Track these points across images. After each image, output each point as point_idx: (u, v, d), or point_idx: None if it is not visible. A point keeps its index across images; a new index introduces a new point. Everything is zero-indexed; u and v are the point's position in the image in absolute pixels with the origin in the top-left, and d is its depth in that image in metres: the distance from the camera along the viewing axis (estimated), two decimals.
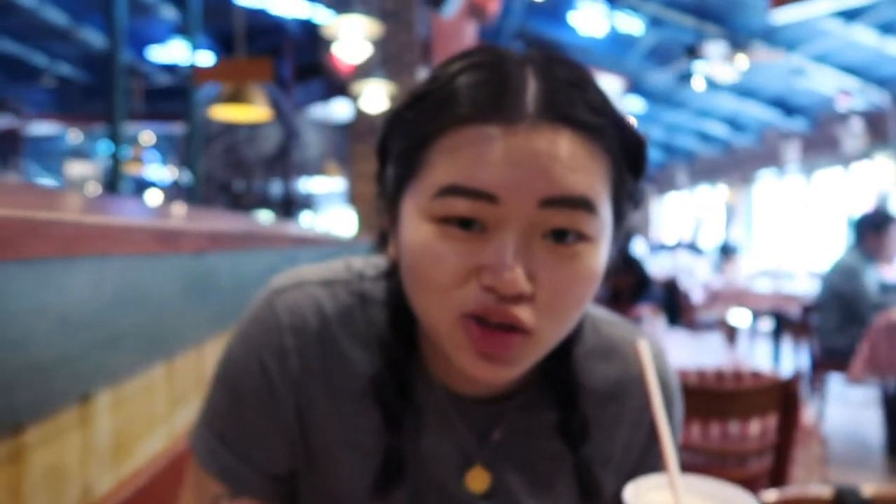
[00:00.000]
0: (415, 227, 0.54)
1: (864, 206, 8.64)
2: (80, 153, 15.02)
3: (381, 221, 0.62)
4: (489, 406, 0.65)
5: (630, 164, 0.56)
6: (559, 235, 0.52)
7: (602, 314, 0.72)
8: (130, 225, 0.84)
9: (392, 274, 0.64)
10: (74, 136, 15.14)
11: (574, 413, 0.65)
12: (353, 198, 5.60)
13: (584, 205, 0.52)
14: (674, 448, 0.49)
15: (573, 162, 0.51)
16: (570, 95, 0.52)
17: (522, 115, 0.51)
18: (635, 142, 0.56)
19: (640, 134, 0.56)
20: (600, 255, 0.54)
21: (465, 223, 0.52)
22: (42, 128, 14.07)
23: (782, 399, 1.76)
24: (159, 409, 0.99)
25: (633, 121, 0.58)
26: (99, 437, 0.80)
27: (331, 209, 14.84)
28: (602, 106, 0.54)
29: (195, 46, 6.38)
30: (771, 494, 0.85)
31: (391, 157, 0.58)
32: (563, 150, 0.51)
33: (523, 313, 0.52)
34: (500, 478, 0.65)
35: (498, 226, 0.51)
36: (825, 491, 0.87)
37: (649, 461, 0.70)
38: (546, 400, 0.66)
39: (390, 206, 0.59)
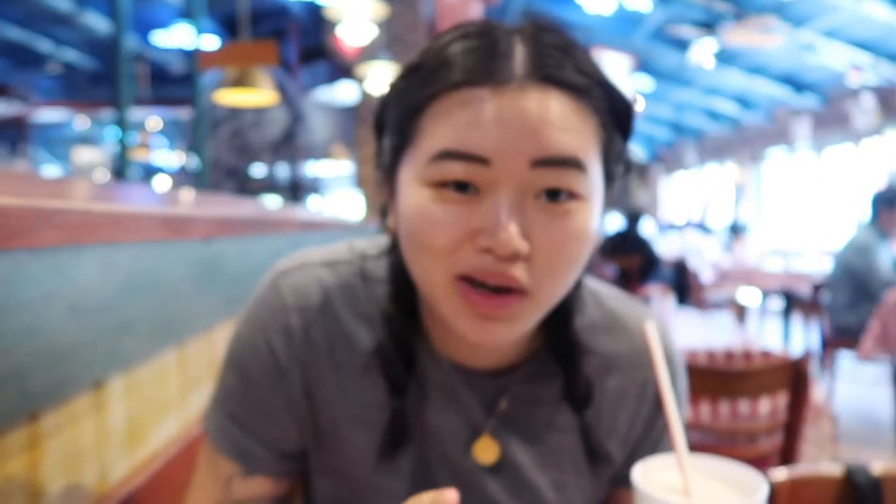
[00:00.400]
0: (412, 193, 0.55)
1: (877, 183, 8.56)
2: (87, 139, 15.05)
3: (381, 195, 0.63)
4: (495, 378, 0.66)
5: (618, 125, 0.57)
6: (551, 195, 0.53)
7: (605, 289, 0.73)
8: (139, 212, 0.84)
9: (393, 247, 0.66)
10: (81, 122, 15.15)
11: (578, 378, 0.66)
12: (361, 181, 5.59)
13: (574, 164, 0.53)
14: (681, 428, 0.49)
15: (562, 122, 0.52)
16: (557, 58, 0.53)
17: (511, 77, 0.52)
18: (623, 104, 0.57)
19: (628, 96, 0.58)
20: (592, 214, 0.55)
21: (460, 186, 0.53)
22: (49, 114, 14.09)
23: (792, 378, 1.76)
24: (172, 393, 1.00)
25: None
26: (113, 422, 0.81)
27: (338, 193, 14.84)
28: (589, 68, 0.55)
29: (200, 30, 6.35)
30: (781, 473, 0.85)
31: (387, 128, 0.59)
32: (551, 110, 0.52)
33: (519, 273, 0.53)
34: (507, 449, 0.66)
35: (491, 188, 0.53)
36: (835, 469, 0.87)
37: (654, 434, 0.71)
38: (550, 370, 0.67)
39: (388, 177, 0.60)
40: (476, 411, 0.65)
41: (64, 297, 0.67)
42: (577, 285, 0.65)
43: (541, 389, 0.67)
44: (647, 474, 0.50)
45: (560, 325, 0.65)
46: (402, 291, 0.64)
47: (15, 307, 0.60)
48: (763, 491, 0.46)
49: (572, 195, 0.54)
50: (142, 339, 0.86)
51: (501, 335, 0.56)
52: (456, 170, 0.52)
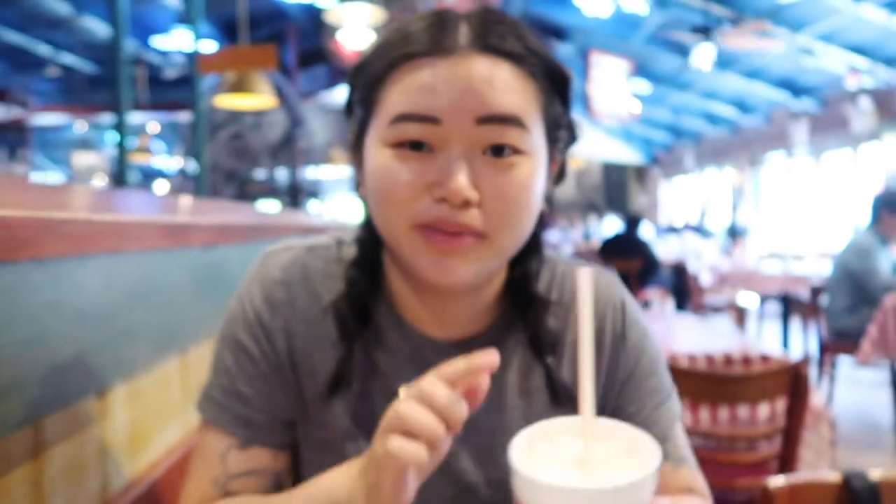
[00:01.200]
0: (375, 154, 0.62)
1: (876, 186, 8.57)
2: (86, 143, 15.04)
3: (354, 165, 0.71)
4: (463, 346, 0.70)
5: (557, 91, 0.65)
6: (496, 150, 0.60)
7: (557, 255, 0.79)
8: (141, 221, 0.85)
9: (365, 218, 0.72)
10: (80, 126, 15.15)
11: (541, 327, 0.71)
12: (359, 185, 5.60)
13: (515, 121, 0.60)
14: (591, 387, 0.51)
15: (502, 85, 0.60)
16: (498, 31, 0.61)
17: (456, 47, 0.60)
18: (560, 72, 0.65)
19: (565, 67, 0.65)
20: (535, 168, 0.62)
21: (416, 146, 0.60)
22: (47, 118, 14.08)
23: (792, 383, 1.76)
24: (174, 401, 1.00)
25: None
26: (116, 430, 0.81)
27: (337, 197, 14.83)
28: (527, 40, 0.62)
29: (198, 35, 6.36)
30: (780, 480, 0.86)
31: (354, 103, 0.67)
32: (493, 74, 0.60)
33: (472, 219, 0.60)
34: (476, 412, 0.67)
35: (443, 145, 0.60)
36: (833, 476, 0.87)
37: (625, 388, 0.74)
38: (515, 334, 0.72)
39: (357, 148, 0.68)
40: None
41: (68, 306, 0.68)
42: (535, 248, 0.71)
43: (507, 354, 0.72)
44: (537, 441, 0.49)
45: (521, 284, 0.71)
46: (365, 256, 0.71)
47: (20, 317, 0.60)
48: (657, 458, 0.46)
49: (515, 150, 0.61)
50: (144, 346, 0.87)
51: (462, 273, 0.61)
52: (411, 130, 0.60)
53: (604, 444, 0.50)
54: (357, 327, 0.69)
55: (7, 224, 0.57)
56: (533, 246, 0.70)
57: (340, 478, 0.59)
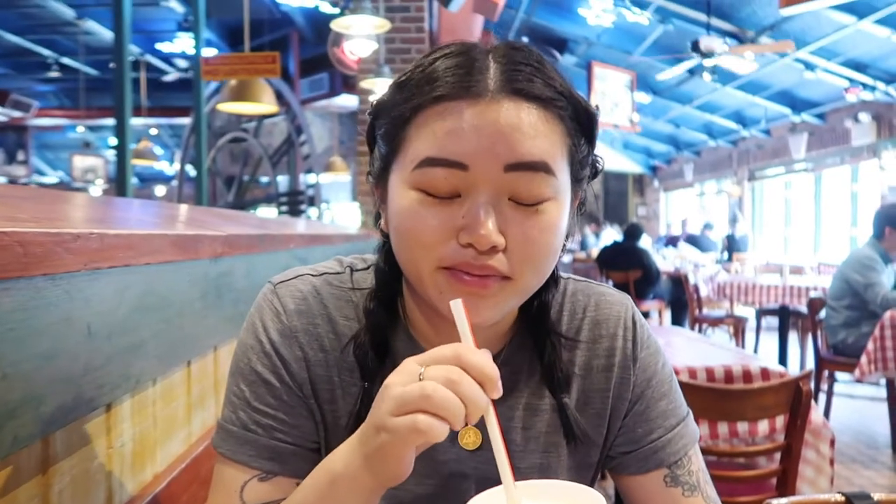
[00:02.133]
0: (401, 195, 0.62)
1: (881, 199, 8.59)
2: (87, 147, 15.05)
3: (375, 197, 0.70)
4: None
5: (583, 132, 0.65)
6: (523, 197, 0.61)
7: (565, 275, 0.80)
8: (152, 235, 0.85)
9: (380, 248, 0.73)
10: (81, 129, 15.16)
11: (556, 367, 0.72)
12: (359, 193, 5.61)
13: (543, 167, 0.60)
14: (504, 456, 0.54)
15: (531, 130, 0.59)
16: (526, 73, 0.61)
17: (485, 91, 0.59)
18: (587, 113, 0.64)
19: (592, 107, 0.65)
20: (561, 211, 0.63)
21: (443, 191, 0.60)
22: (48, 121, 14.08)
23: (793, 398, 1.76)
24: (179, 413, 1.00)
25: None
26: (122, 443, 0.81)
27: (337, 205, 14.83)
28: (555, 81, 0.62)
29: (201, 41, 6.37)
30: (781, 502, 0.86)
31: (378, 138, 0.66)
32: (521, 120, 0.59)
33: (498, 263, 0.60)
34: (487, 432, 0.69)
35: (470, 190, 0.60)
36: (837, 497, 0.87)
37: (636, 407, 0.75)
38: (526, 355, 0.73)
39: (380, 183, 0.67)
40: None
41: (79, 321, 0.68)
42: (553, 281, 0.72)
43: (519, 374, 0.73)
44: None
45: (538, 319, 0.72)
46: (384, 288, 0.71)
47: (33, 333, 0.60)
48: None
49: (541, 198, 0.61)
50: (151, 359, 0.87)
51: (485, 313, 0.62)
52: (438, 175, 0.59)
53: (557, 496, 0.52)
54: (377, 365, 0.69)
55: (22, 240, 0.57)
56: (550, 278, 0.71)
57: (337, 450, 0.59)
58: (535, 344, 0.72)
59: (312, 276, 0.73)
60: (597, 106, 0.66)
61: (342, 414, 0.70)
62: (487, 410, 0.53)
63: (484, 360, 0.53)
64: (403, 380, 0.53)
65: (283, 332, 0.69)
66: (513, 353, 0.73)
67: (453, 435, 0.70)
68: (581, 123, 0.64)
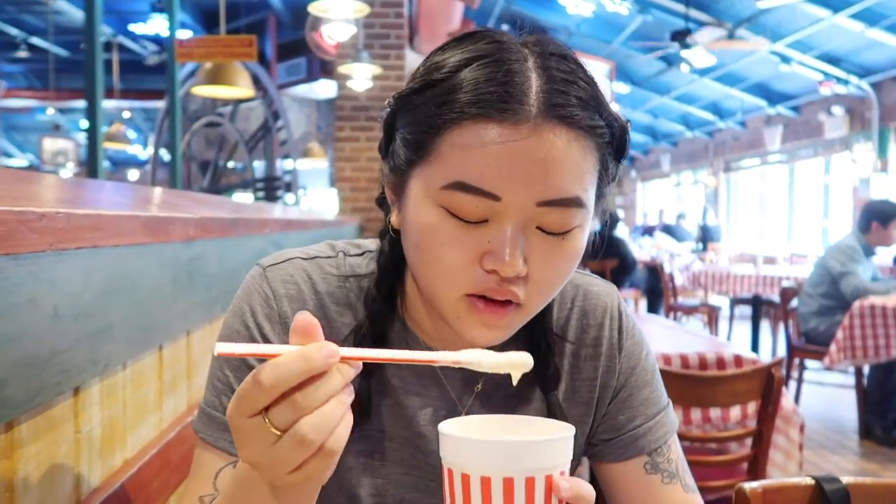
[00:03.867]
0: (423, 210, 0.60)
1: (855, 193, 8.75)
2: (57, 129, 14.72)
3: (387, 188, 0.68)
4: None
5: (615, 150, 0.63)
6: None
7: None
8: (121, 216, 0.83)
9: (383, 237, 0.71)
10: (51, 111, 14.82)
11: (549, 363, 0.72)
12: (337, 179, 5.56)
13: (576, 203, 0.59)
14: None
15: (568, 164, 0.57)
16: (566, 94, 0.58)
17: (527, 117, 0.56)
18: (621, 130, 0.63)
19: (624, 121, 0.63)
20: (585, 235, 0.63)
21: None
22: (17, 102, 13.74)
23: (765, 384, 1.79)
24: (150, 398, 0.99)
25: (614, 104, 0.64)
26: (90, 428, 0.80)
27: (314, 191, 14.72)
28: (593, 101, 0.59)
29: (175, 23, 6.25)
30: (753, 484, 0.87)
31: (400, 136, 0.63)
32: (560, 153, 0.57)
33: (518, 290, 0.60)
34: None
35: (498, 218, 0.58)
36: (806, 480, 0.89)
37: (632, 401, 0.75)
38: (518, 342, 0.72)
39: (397, 178, 0.64)
40: (455, 393, 0.71)
41: (45, 303, 0.66)
42: None
43: None
44: (467, 422, 0.55)
45: (537, 320, 0.70)
46: (385, 279, 0.70)
47: None
48: (558, 435, 0.50)
49: (570, 228, 0.60)
50: (121, 343, 0.85)
51: (499, 339, 0.63)
52: (467, 201, 0.57)
53: (527, 429, 0.55)
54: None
55: None
56: None
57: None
58: (529, 341, 0.72)
59: (303, 259, 0.72)
60: (628, 121, 0.64)
61: None
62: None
63: (327, 352, 0.45)
64: (256, 438, 0.46)
65: (271, 318, 0.68)
66: (508, 342, 0.72)
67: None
68: (616, 148, 0.62)
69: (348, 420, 0.47)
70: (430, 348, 0.71)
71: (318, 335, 0.46)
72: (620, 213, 13.83)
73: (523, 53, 0.59)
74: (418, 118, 0.60)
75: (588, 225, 0.63)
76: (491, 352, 0.51)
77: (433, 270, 0.61)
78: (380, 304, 0.69)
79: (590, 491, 0.50)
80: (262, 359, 0.66)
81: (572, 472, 0.77)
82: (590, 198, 0.61)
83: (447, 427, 0.51)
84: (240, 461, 0.51)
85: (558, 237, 0.60)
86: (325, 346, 0.45)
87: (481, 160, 0.56)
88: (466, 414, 0.71)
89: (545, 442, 0.49)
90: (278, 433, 0.45)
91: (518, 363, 0.52)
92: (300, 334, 0.46)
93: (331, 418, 0.45)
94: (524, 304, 0.61)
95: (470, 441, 0.49)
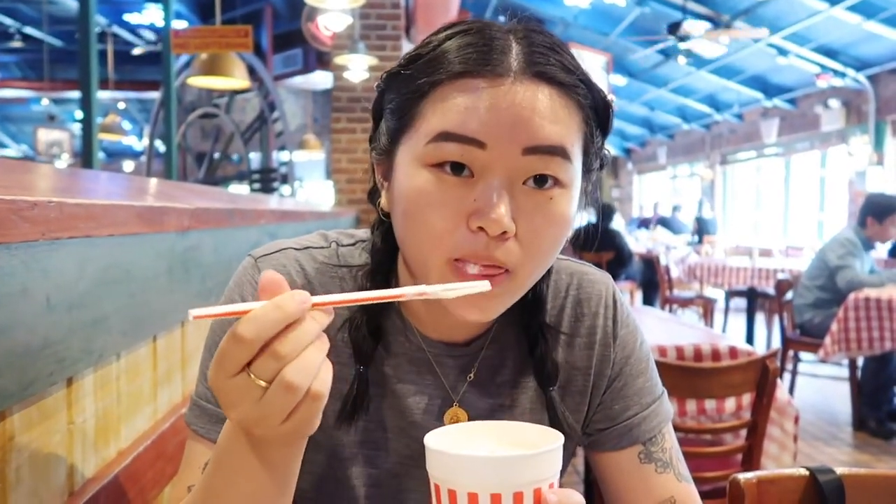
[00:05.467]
0: (410, 174, 0.60)
1: (851, 186, 8.77)
2: (51, 120, 14.63)
3: (374, 176, 0.69)
4: (465, 349, 0.71)
5: (599, 122, 0.64)
6: (538, 181, 0.59)
7: None
8: (115, 205, 0.82)
9: (376, 227, 0.71)
10: (46, 102, 14.73)
11: (547, 357, 0.72)
12: (333, 171, 5.54)
13: (561, 152, 0.59)
14: None
15: (551, 114, 0.58)
16: (547, 57, 0.59)
17: (507, 71, 0.58)
18: (603, 102, 0.64)
19: (608, 98, 0.64)
20: (572, 201, 0.62)
21: (456, 168, 0.58)
22: (11, 92, 13.65)
23: (760, 376, 1.80)
24: (144, 389, 0.98)
25: (611, 95, 0.66)
26: (84, 419, 0.79)
27: (311, 182, 14.68)
28: (575, 68, 0.61)
29: (171, 13, 6.21)
30: (748, 474, 0.87)
31: (386, 112, 0.64)
32: (542, 103, 0.58)
33: (504, 256, 0.59)
34: (475, 415, 0.72)
35: (485, 171, 0.58)
36: (800, 471, 0.89)
37: (627, 391, 0.75)
38: (512, 331, 0.73)
39: (384, 159, 0.65)
40: (448, 381, 0.71)
41: (38, 293, 0.65)
42: (547, 272, 0.71)
43: (506, 351, 0.73)
44: (454, 431, 0.54)
45: (531, 311, 0.71)
46: (380, 268, 0.70)
47: None
48: (545, 447, 0.49)
49: (557, 182, 0.60)
50: (115, 333, 0.84)
51: (491, 312, 0.62)
52: (453, 151, 0.57)
53: (515, 438, 0.54)
54: (372, 349, 0.68)
55: None
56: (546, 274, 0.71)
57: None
58: (523, 330, 0.72)
59: (296, 249, 0.71)
60: (612, 98, 0.65)
61: (334, 402, 0.68)
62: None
63: (300, 298, 0.46)
64: (243, 395, 0.46)
65: None
66: (501, 330, 0.73)
67: (438, 414, 0.71)
68: (598, 113, 0.63)
69: (328, 366, 0.48)
70: (426, 338, 0.71)
71: (286, 289, 0.47)
72: (616, 206, 13.84)
73: (506, 28, 0.61)
74: (404, 89, 0.61)
75: (576, 193, 0.62)
76: (450, 284, 0.53)
77: (420, 235, 0.60)
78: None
79: (579, 501, 0.50)
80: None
81: (565, 465, 0.78)
82: (575, 157, 0.60)
83: (433, 441, 0.50)
84: (223, 430, 0.53)
85: (545, 195, 0.59)
86: (297, 293, 0.46)
87: (464, 110, 0.57)
88: (460, 402, 0.71)
89: (533, 456, 0.48)
90: (264, 385, 0.45)
91: (476, 287, 0.53)
92: (268, 292, 0.47)
93: (313, 363, 0.46)
94: (514, 271, 0.60)
95: (456, 457, 0.48)
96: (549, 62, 0.59)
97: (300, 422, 0.47)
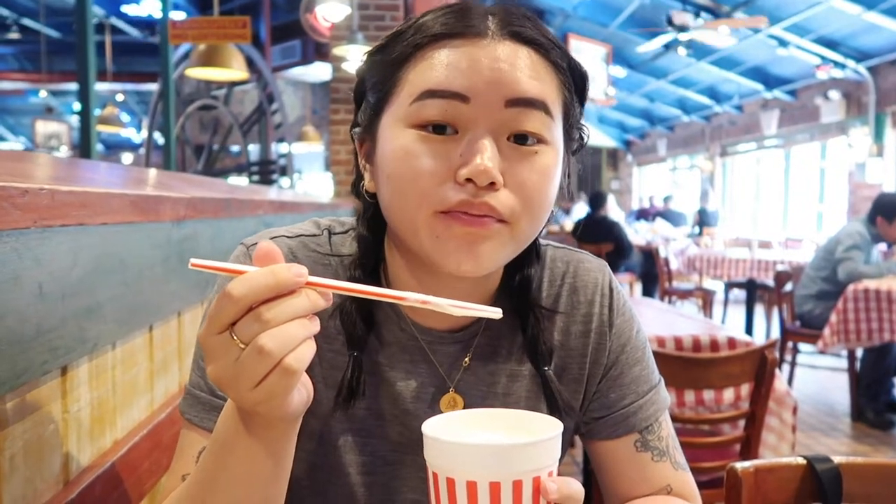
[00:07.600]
0: (395, 135, 0.61)
1: (851, 178, 8.76)
2: (49, 112, 14.59)
3: (357, 167, 0.69)
4: (459, 335, 0.71)
5: (577, 91, 0.65)
6: (522, 138, 0.60)
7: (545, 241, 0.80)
8: (109, 193, 0.82)
9: (362, 214, 0.71)
10: (44, 94, 14.68)
11: (539, 340, 0.71)
12: (332, 163, 5.53)
13: (542, 106, 0.60)
14: None
15: (531, 71, 0.60)
16: (524, 21, 0.62)
17: (486, 31, 0.60)
18: (579, 71, 0.66)
19: (583, 67, 0.66)
20: (556, 158, 0.63)
21: (439, 130, 0.59)
22: (8, 84, 13.59)
23: (758, 366, 1.80)
24: (140, 378, 0.98)
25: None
26: (79, 408, 0.79)
27: (310, 174, 14.65)
28: (549, 34, 0.63)
29: (168, 3, 6.18)
30: (746, 463, 0.87)
31: (368, 91, 0.65)
32: (522, 60, 0.60)
33: (497, 201, 0.59)
34: (470, 402, 0.72)
35: (469, 125, 0.59)
36: (798, 460, 0.89)
37: (623, 379, 0.75)
38: (506, 319, 0.72)
39: (367, 136, 0.66)
40: (443, 368, 0.71)
41: (30, 280, 0.65)
42: (536, 255, 0.72)
43: (500, 339, 0.72)
44: (455, 418, 0.54)
45: (520, 292, 0.71)
46: (367, 255, 0.69)
47: None
48: (541, 436, 0.48)
49: (540, 140, 0.61)
50: (110, 323, 0.84)
51: (486, 260, 0.60)
52: (437, 107, 0.58)
53: (514, 426, 0.53)
54: (365, 334, 0.68)
55: None
56: (534, 251, 0.71)
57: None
58: (517, 315, 0.72)
59: (288, 237, 0.71)
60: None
61: (318, 381, 0.68)
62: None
63: (296, 271, 0.47)
64: (222, 352, 0.47)
65: None
66: (493, 320, 0.72)
67: (434, 401, 0.70)
68: (575, 81, 0.65)
69: (312, 346, 0.48)
70: (419, 325, 0.71)
71: (280, 261, 0.48)
72: (617, 197, 13.82)
73: (483, 4, 0.64)
74: (385, 62, 0.63)
75: (559, 153, 0.63)
76: (461, 301, 0.51)
77: (407, 193, 0.59)
78: (362, 280, 0.68)
79: (578, 489, 0.49)
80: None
81: (563, 454, 0.78)
82: (556, 115, 0.62)
83: (430, 428, 0.50)
84: (219, 417, 0.54)
85: (530, 149, 0.60)
86: (294, 266, 0.47)
87: (445, 67, 0.59)
88: (455, 389, 0.71)
89: (532, 444, 0.47)
90: (242, 346, 0.46)
91: (488, 311, 0.50)
92: (263, 261, 0.48)
93: (292, 336, 0.46)
94: (511, 222, 0.60)
95: (454, 444, 0.47)
96: (525, 25, 0.61)
97: (269, 393, 0.47)
